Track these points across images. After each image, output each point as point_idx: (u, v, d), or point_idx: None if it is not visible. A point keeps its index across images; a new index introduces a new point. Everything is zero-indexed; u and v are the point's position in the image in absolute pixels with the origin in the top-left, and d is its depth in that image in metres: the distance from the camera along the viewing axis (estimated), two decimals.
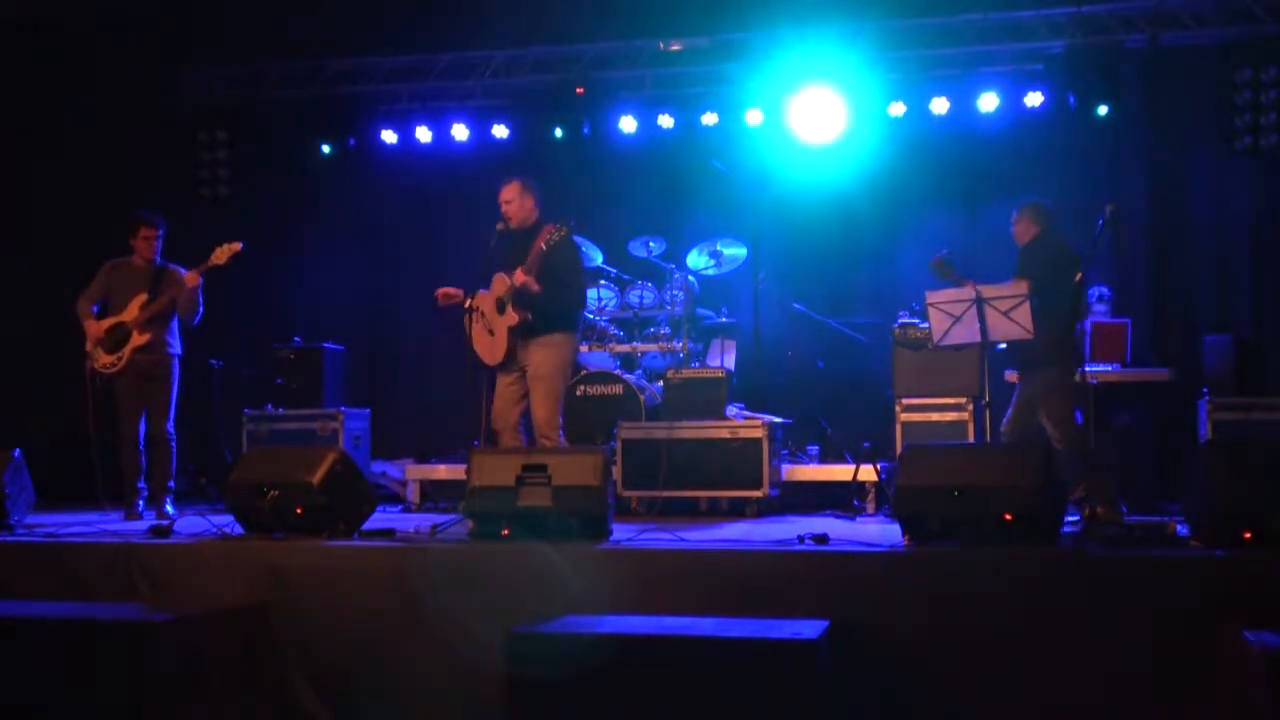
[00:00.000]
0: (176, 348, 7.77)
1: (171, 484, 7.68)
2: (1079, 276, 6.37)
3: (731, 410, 8.03)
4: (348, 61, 10.21)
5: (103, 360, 7.56)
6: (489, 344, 6.88)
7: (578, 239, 8.87)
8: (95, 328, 7.59)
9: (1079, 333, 6.86)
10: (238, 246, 7.57)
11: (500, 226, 6.89)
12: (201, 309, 7.75)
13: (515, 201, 6.89)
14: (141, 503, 7.59)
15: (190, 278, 7.55)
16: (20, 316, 9.60)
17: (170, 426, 7.67)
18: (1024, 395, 6.93)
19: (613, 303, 9.00)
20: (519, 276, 6.67)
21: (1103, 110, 8.84)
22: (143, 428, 7.66)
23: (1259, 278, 8.88)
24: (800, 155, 9.48)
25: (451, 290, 7.00)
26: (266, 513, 5.79)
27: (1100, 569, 4.79)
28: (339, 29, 10.15)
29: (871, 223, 9.61)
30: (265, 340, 9.49)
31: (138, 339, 7.56)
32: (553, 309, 6.80)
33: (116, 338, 7.58)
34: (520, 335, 6.80)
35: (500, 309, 6.83)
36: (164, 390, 7.66)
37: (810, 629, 4.41)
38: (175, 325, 7.76)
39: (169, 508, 7.57)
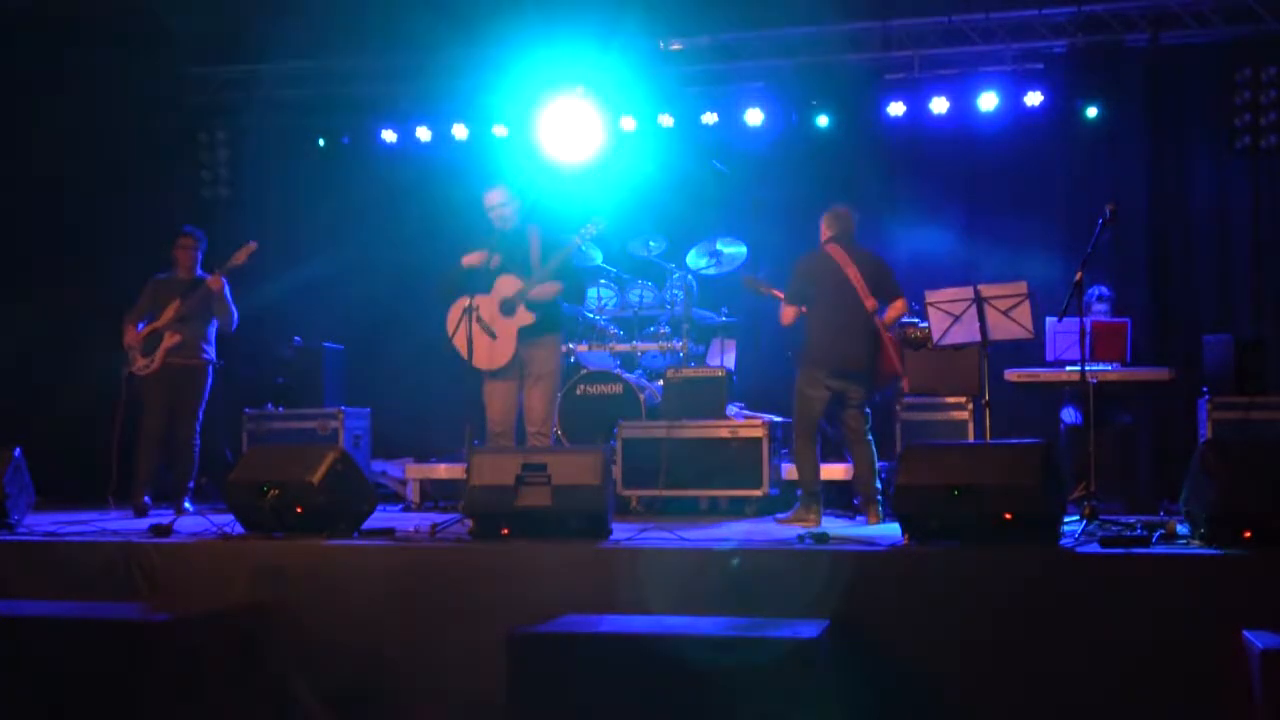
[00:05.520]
0: (211, 354, 7.92)
1: (191, 484, 7.80)
2: (1079, 276, 6.36)
3: (731, 410, 8.03)
4: (348, 61, 10.19)
5: (139, 363, 7.72)
6: (489, 347, 6.85)
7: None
8: (133, 335, 7.78)
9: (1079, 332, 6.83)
10: (253, 246, 7.75)
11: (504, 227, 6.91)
12: (235, 311, 7.91)
13: (510, 204, 6.95)
14: (148, 498, 7.64)
15: (214, 281, 7.71)
16: (22, 317, 9.57)
17: (196, 435, 7.81)
18: None
19: (613, 302, 8.99)
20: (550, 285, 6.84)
21: (1102, 110, 8.83)
22: (166, 429, 7.76)
23: (1259, 278, 8.85)
24: (800, 154, 9.48)
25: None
26: (266, 512, 5.79)
27: (1100, 569, 4.80)
28: (339, 29, 10.13)
29: (871, 222, 9.58)
30: (265, 340, 9.48)
31: (169, 339, 7.72)
32: (558, 309, 7.01)
33: (152, 342, 7.75)
34: (523, 336, 6.83)
35: (510, 310, 6.83)
36: (194, 395, 7.81)
37: (810, 629, 4.42)
38: (212, 333, 7.92)
39: (187, 504, 7.67)
